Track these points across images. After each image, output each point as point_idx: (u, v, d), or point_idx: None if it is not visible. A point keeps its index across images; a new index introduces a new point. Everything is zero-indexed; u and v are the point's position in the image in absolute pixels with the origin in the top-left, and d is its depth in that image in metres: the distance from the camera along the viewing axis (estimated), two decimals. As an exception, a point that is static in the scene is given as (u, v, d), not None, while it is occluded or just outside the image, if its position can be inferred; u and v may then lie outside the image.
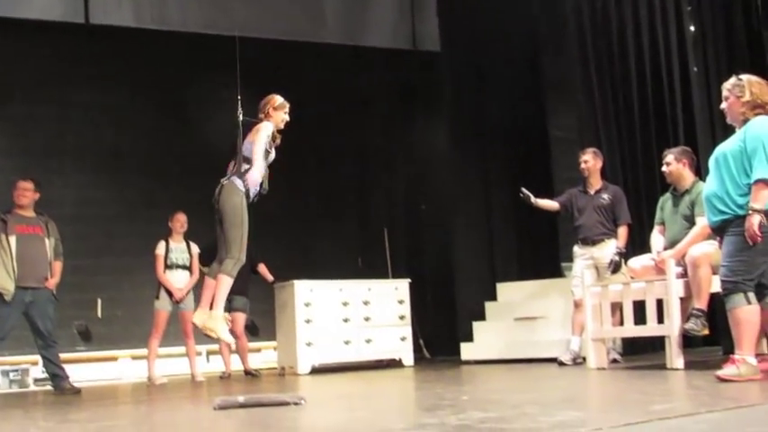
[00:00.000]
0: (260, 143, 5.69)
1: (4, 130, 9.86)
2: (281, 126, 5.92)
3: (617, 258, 7.09)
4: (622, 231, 7.33)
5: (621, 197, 7.46)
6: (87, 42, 10.27)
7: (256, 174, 5.67)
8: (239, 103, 5.81)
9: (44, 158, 9.77)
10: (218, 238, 5.80)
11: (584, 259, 7.34)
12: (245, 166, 5.67)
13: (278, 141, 5.91)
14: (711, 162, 4.92)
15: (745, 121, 4.75)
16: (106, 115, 10.27)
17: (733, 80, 4.88)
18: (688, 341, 6.42)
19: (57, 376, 7.34)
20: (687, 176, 6.29)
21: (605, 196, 7.40)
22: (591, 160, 7.49)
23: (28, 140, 9.90)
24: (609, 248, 7.24)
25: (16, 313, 7.20)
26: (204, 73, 10.63)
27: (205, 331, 5.75)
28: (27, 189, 7.43)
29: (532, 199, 7.52)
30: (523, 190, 7.52)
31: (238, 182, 5.65)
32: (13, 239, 7.21)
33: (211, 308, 5.64)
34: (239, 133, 5.76)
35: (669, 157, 6.37)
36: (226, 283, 5.58)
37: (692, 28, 8.23)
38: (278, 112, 5.89)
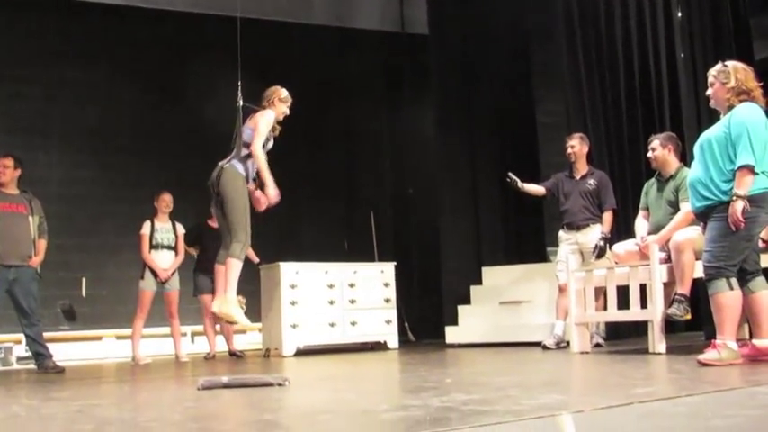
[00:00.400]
0: (263, 130, 5.77)
1: (-11, 108, 9.81)
2: (280, 118, 6.02)
3: (601, 243, 7.11)
4: (607, 216, 7.36)
5: (607, 182, 7.48)
6: (74, 20, 10.20)
7: (261, 157, 5.75)
8: (239, 88, 5.88)
9: (29, 137, 9.71)
10: (220, 222, 5.89)
11: (568, 244, 7.37)
12: (245, 151, 5.75)
13: (277, 132, 5.98)
14: (696, 148, 4.94)
15: (730, 107, 4.77)
16: (92, 94, 10.22)
17: (719, 66, 4.90)
18: (671, 326, 6.47)
19: (40, 355, 7.32)
20: (672, 162, 6.31)
21: (591, 181, 7.42)
22: (577, 145, 7.50)
23: (13, 118, 9.83)
24: (594, 233, 7.27)
25: (-1, 291, 7.18)
26: (192, 52, 10.59)
27: (224, 318, 5.81)
28: (6, 166, 7.37)
29: (519, 184, 7.54)
30: (510, 175, 7.53)
31: (239, 166, 5.74)
32: (-5, 217, 7.18)
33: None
34: (239, 118, 5.83)
35: (655, 142, 6.39)
36: (235, 266, 5.64)
37: (680, 14, 8.24)
38: (282, 104, 6.00)
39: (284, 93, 6.04)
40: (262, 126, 5.78)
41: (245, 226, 5.66)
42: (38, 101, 9.98)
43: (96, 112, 10.21)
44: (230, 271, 5.62)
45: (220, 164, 5.80)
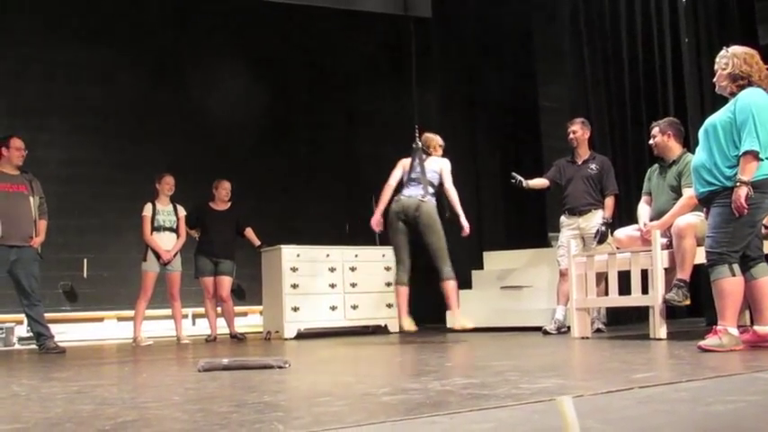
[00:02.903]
0: (451, 180, 7.02)
1: (-11, 89, 9.76)
2: None
3: (603, 229, 7.10)
4: (609, 202, 7.34)
5: (609, 167, 7.45)
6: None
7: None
8: (416, 130, 7.26)
9: (29, 117, 9.67)
10: (401, 246, 7.08)
11: (570, 229, 7.35)
12: (431, 190, 6.98)
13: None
14: (701, 133, 4.91)
15: (732, 93, 4.74)
16: (93, 74, 10.17)
17: (722, 52, 4.87)
18: (672, 312, 6.46)
19: (41, 335, 7.33)
20: (673, 147, 6.28)
21: (593, 166, 7.40)
22: (579, 130, 7.47)
23: (13, 98, 9.79)
24: (595, 219, 7.26)
25: (0, 272, 7.18)
26: (194, 33, 10.54)
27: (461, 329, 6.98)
28: (24, 149, 7.40)
29: (524, 183, 7.47)
30: (514, 174, 7.46)
31: (434, 201, 6.96)
32: (-4, 197, 7.17)
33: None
34: (419, 158, 7.09)
35: (655, 129, 6.37)
36: (455, 286, 6.91)
37: (684, -2, 8.21)
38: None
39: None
40: (449, 173, 7.03)
41: (447, 251, 6.87)
42: (38, 81, 9.94)
43: (97, 92, 10.17)
44: (454, 292, 6.88)
45: (412, 195, 6.95)
